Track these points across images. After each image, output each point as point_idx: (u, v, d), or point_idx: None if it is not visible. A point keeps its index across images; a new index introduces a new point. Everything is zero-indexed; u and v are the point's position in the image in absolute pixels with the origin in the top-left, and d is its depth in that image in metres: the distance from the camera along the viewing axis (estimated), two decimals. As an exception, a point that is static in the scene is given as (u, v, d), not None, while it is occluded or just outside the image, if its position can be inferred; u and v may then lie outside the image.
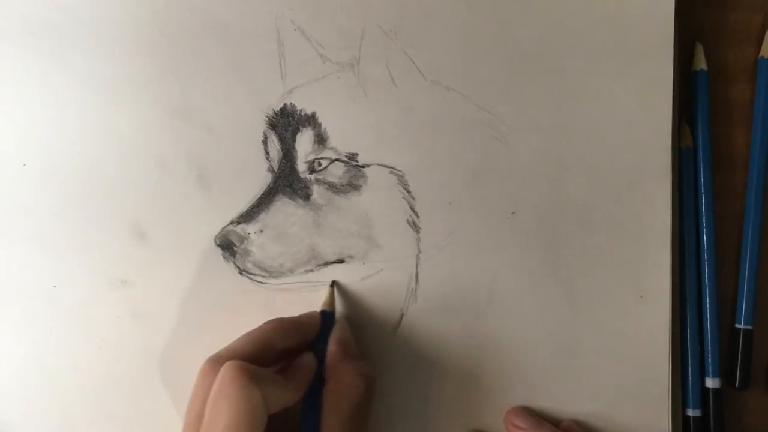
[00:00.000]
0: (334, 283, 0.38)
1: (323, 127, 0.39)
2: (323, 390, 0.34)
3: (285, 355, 0.35)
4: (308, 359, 0.35)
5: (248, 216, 0.38)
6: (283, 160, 0.39)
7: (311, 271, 0.39)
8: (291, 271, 0.39)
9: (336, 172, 0.39)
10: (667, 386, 0.39)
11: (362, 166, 0.39)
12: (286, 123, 0.39)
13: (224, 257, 0.38)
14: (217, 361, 0.32)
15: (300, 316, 0.37)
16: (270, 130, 0.39)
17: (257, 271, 0.38)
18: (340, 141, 0.39)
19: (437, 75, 0.39)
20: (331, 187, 0.39)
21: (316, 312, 0.37)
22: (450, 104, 0.39)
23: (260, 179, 0.39)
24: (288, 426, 0.33)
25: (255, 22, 0.39)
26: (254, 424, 0.29)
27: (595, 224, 0.39)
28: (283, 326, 0.35)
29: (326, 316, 0.37)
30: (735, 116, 0.43)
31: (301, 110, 0.39)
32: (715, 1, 0.44)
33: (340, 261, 0.39)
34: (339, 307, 0.39)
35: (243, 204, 0.39)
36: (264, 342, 0.34)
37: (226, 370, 0.30)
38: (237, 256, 0.38)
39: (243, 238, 0.38)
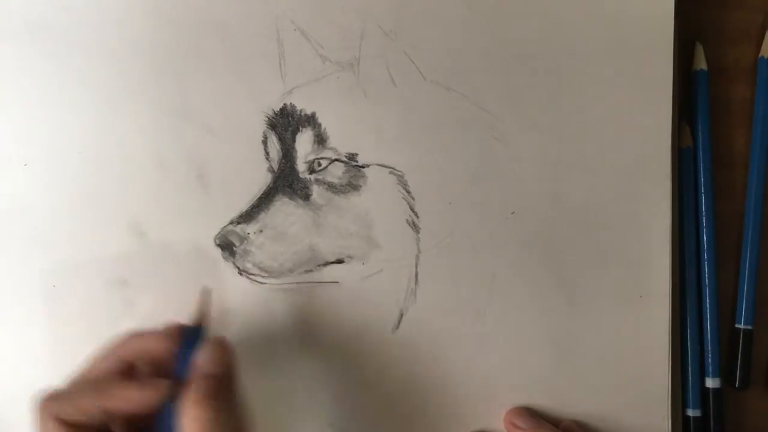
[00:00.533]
0: (205, 291, 0.35)
1: (323, 127, 0.39)
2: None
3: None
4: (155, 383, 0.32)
5: (248, 216, 0.38)
6: (283, 160, 0.39)
7: (311, 271, 0.39)
8: (291, 271, 0.39)
9: (336, 172, 0.39)
10: (667, 386, 0.39)
11: (362, 166, 0.39)
12: (285, 123, 0.39)
13: (224, 257, 0.38)
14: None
15: (153, 329, 0.34)
16: (270, 130, 0.39)
17: (257, 271, 0.38)
18: (339, 141, 0.39)
19: (437, 75, 0.39)
20: (331, 187, 0.39)
21: (175, 325, 0.34)
22: (450, 104, 0.39)
23: (260, 179, 0.39)
24: None
25: (255, 22, 0.39)
26: None
27: (595, 224, 0.39)
28: (127, 341, 0.34)
29: (188, 332, 0.33)
30: (735, 116, 0.43)
31: (300, 110, 0.39)
32: (715, 1, 0.44)
33: (340, 261, 0.39)
34: (337, 308, 0.38)
35: (243, 204, 0.39)
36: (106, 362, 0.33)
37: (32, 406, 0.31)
38: (237, 256, 0.38)
39: (243, 238, 0.38)
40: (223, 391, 0.31)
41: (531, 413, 0.38)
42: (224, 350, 0.33)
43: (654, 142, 0.39)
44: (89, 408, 0.31)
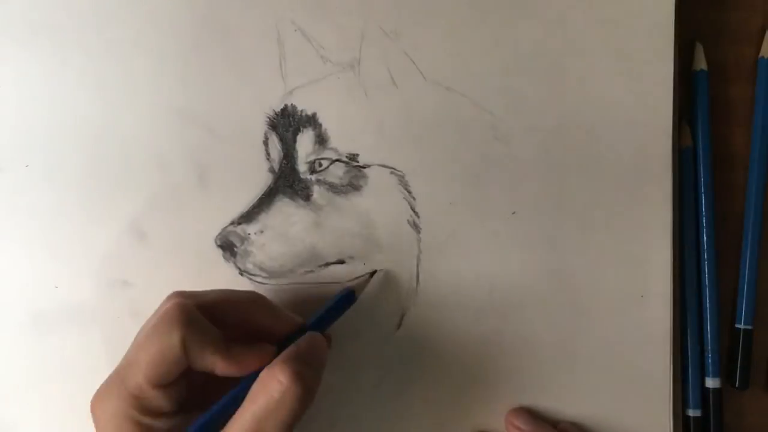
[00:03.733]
0: (377, 273, 0.38)
1: (324, 127, 0.39)
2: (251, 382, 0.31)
3: (246, 330, 0.33)
4: (265, 349, 0.32)
5: (249, 216, 0.38)
6: (284, 161, 0.39)
7: (312, 271, 0.39)
8: (291, 271, 0.39)
9: (337, 173, 0.39)
10: (667, 386, 0.39)
11: (363, 167, 0.39)
12: (286, 123, 0.39)
13: (225, 258, 0.38)
14: (174, 294, 0.32)
15: (285, 311, 0.35)
16: (271, 131, 0.39)
17: (258, 272, 0.39)
18: (340, 141, 0.39)
19: (437, 75, 0.39)
20: (332, 187, 0.39)
21: (300, 320, 0.35)
22: (450, 104, 0.39)
23: (261, 180, 0.39)
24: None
25: (256, 22, 0.39)
26: (163, 364, 0.30)
27: (595, 224, 0.39)
28: (264, 304, 0.34)
29: (344, 295, 0.36)
30: (735, 116, 0.43)
31: (301, 111, 0.39)
32: (715, 1, 0.44)
33: (341, 261, 0.39)
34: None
35: (243, 204, 0.39)
36: (235, 302, 0.33)
37: (168, 302, 0.31)
38: (237, 256, 0.38)
39: (243, 239, 0.38)
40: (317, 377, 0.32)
41: (531, 414, 0.38)
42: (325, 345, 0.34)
43: (654, 142, 0.39)
44: (214, 361, 0.31)
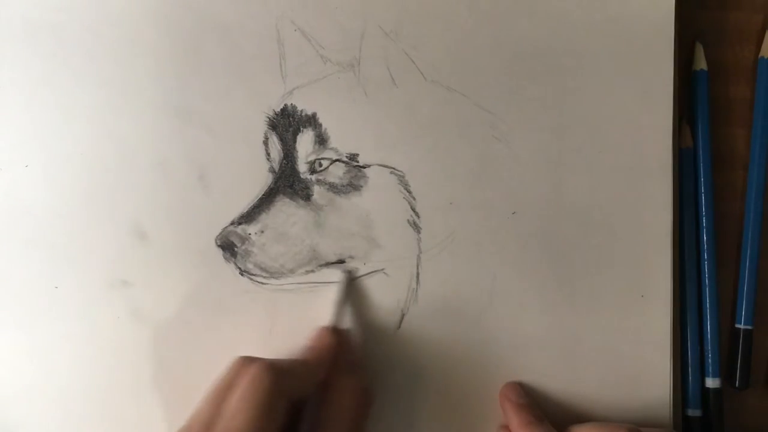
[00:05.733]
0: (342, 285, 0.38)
1: (324, 127, 0.39)
2: (322, 399, 0.34)
3: None
4: (326, 339, 0.35)
5: (249, 216, 0.38)
6: (284, 161, 0.39)
7: (312, 271, 0.39)
8: (292, 271, 0.39)
9: (337, 173, 0.39)
10: (667, 386, 0.39)
11: (363, 167, 0.39)
12: (286, 123, 0.39)
13: (225, 258, 0.38)
14: (251, 360, 0.32)
15: (320, 342, 0.36)
16: (271, 131, 0.39)
17: (258, 272, 0.38)
18: (340, 141, 0.39)
19: (437, 75, 0.39)
20: (332, 187, 0.39)
21: (327, 329, 0.37)
22: (450, 104, 0.39)
23: (261, 180, 0.39)
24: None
25: (255, 22, 0.39)
26: (270, 428, 0.30)
27: (595, 224, 0.39)
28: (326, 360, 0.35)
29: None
30: (735, 116, 0.43)
31: (301, 111, 0.39)
32: (715, 1, 0.44)
33: (341, 261, 0.39)
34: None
35: (244, 204, 0.39)
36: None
37: (254, 366, 0.31)
38: (238, 256, 0.38)
39: (244, 239, 0.38)
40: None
41: (524, 389, 0.38)
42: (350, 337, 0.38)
43: (654, 142, 0.39)
44: (309, 385, 0.33)
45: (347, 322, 0.38)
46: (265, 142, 0.39)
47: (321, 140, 0.39)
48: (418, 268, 0.39)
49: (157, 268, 0.38)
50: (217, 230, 0.38)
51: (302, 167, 0.39)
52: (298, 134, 0.39)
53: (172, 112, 0.39)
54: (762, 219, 0.42)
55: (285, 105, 0.39)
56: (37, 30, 0.39)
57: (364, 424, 0.34)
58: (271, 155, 0.39)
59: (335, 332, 0.36)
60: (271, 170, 0.39)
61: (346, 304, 0.38)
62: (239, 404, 0.30)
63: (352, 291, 0.39)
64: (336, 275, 0.39)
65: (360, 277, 0.39)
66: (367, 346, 0.39)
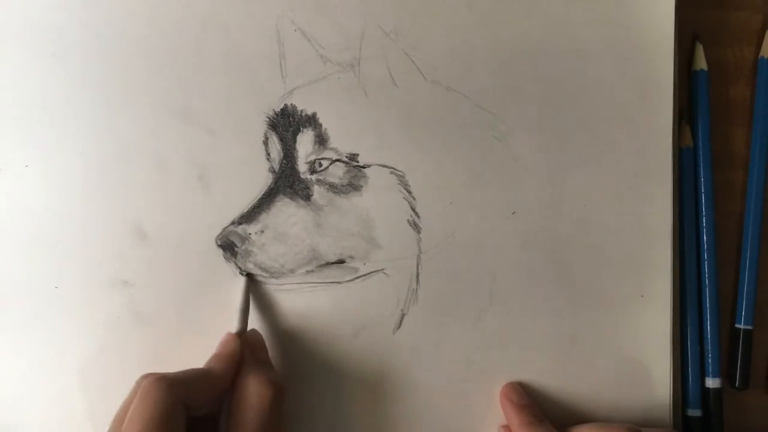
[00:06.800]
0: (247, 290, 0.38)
1: (324, 127, 0.39)
2: (231, 401, 0.34)
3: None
4: (231, 345, 0.36)
5: (249, 216, 0.38)
6: (284, 161, 0.39)
7: (312, 271, 0.39)
8: (292, 271, 0.39)
9: (337, 173, 0.39)
10: (667, 386, 0.39)
11: (363, 167, 0.39)
12: (286, 123, 0.39)
13: (225, 258, 0.38)
14: (145, 376, 0.33)
15: (225, 349, 0.36)
16: (271, 131, 0.39)
17: (258, 272, 0.39)
18: (340, 141, 0.39)
19: (437, 75, 0.39)
20: (332, 187, 0.39)
21: (233, 335, 0.37)
22: (450, 104, 0.39)
23: (261, 180, 0.39)
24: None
25: (255, 22, 0.39)
26: (170, 428, 0.31)
27: (595, 224, 0.39)
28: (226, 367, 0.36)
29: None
30: (735, 116, 0.43)
31: (301, 111, 0.39)
32: (715, 1, 0.44)
33: (341, 261, 0.39)
34: (338, 308, 0.39)
35: (244, 204, 0.39)
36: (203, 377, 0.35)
37: (146, 380, 0.32)
38: (238, 256, 0.38)
39: (244, 239, 0.38)
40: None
41: (524, 390, 0.38)
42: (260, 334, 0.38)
43: (654, 142, 0.39)
44: (213, 392, 0.34)
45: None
46: (265, 142, 0.39)
47: (321, 140, 0.39)
48: (418, 268, 0.39)
49: (157, 268, 0.38)
50: (218, 230, 0.38)
51: (302, 167, 0.39)
52: (298, 134, 0.39)
53: (172, 111, 0.39)
54: (762, 219, 0.42)
55: (285, 105, 0.39)
56: (37, 30, 0.39)
57: (278, 417, 0.34)
58: (271, 155, 0.39)
59: (240, 337, 0.36)
60: (271, 170, 0.39)
61: (253, 308, 0.38)
62: (133, 417, 0.31)
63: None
64: (335, 275, 0.39)
65: (360, 277, 0.39)
66: (367, 346, 0.39)
